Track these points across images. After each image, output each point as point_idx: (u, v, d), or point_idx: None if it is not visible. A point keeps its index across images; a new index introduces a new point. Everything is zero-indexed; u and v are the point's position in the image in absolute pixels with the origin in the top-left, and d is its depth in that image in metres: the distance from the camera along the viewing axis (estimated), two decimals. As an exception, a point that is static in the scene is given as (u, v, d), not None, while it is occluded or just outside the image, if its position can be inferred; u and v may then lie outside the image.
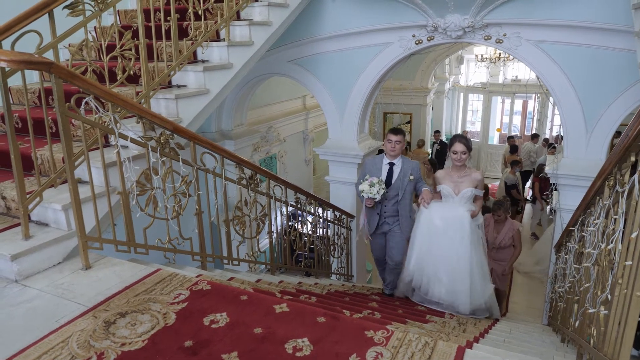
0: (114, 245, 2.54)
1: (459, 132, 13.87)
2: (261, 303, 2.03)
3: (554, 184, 4.58)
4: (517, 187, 8.90)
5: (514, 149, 10.03)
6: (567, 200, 4.41)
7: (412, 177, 4.18)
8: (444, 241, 3.84)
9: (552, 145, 7.80)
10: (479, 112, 14.63)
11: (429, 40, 4.69)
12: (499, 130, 14.70)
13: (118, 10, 4.30)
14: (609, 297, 1.73)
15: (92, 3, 2.59)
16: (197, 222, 3.12)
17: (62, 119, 2.21)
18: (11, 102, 3.65)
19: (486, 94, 13.86)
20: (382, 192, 4.05)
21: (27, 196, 2.42)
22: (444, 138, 13.22)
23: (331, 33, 5.07)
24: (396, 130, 4.25)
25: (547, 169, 4.66)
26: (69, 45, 3.61)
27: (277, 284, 3.45)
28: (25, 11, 2.29)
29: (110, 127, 2.45)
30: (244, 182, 3.54)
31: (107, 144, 2.84)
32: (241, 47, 3.67)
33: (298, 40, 5.24)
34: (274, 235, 4.15)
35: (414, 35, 4.72)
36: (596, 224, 1.98)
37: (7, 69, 2.17)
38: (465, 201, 3.91)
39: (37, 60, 2.06)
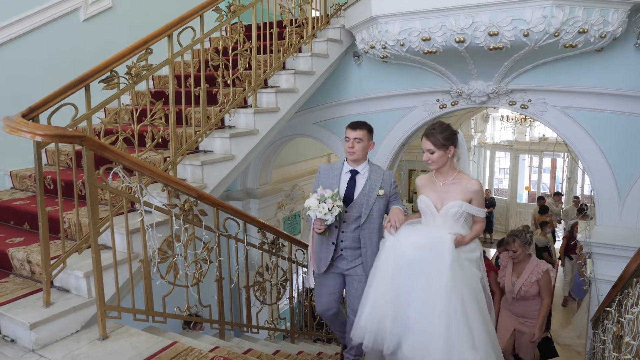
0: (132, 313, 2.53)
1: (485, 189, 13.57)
2: (277, 386, 1.94)
3: (586, 252, 4.39)
4: (549, 249, 8.59)
5: (543, 209, 9.78)
6: (601, 270, 4.20)
7: (381, 192, 2.92)
8: (420, 281, 2.55)
9: (583, 211, 7.54)
10: (507, 170, 14.48)
11: (453, 105, 4.72)
12: (527, 188, 14.44)
13: (152, 76, 4.53)
14: (654, 397, 1.59)
15: (127, 77, 2.72)
16: (216, 289, 3.09)
17: (90, 189, 2.27)
18: (46, 162, 3.85)
19: (513, 152, 13.76)
20: (337, 210, 2.74)
21: (52, 261, 2.44)
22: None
23: (356, 97, 5.17)
24: (357, 124, 2.97)
25: (579, 237, 4.49)
26: (105, 110, 3.79)
27: (296, 356, 3.33)
28: (63, 86, 2.42)
29: (136, 195, 2.50)
30: (265, 246, 3.52)
31: (132, 209, 2.88)
32: (267, 114, 3.77)
33: (323, 104, 5.36)
34: (295, 299, 4.06)
35: (438, 100, 4.76)
36: (634, 312, 1.85)
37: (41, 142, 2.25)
38: (451, 221, 2.64)
39: (69, 134, 2.15)
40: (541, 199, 10.69)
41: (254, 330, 3.50)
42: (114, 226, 2.51)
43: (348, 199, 2.95)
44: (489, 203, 12.07)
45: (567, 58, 3.93)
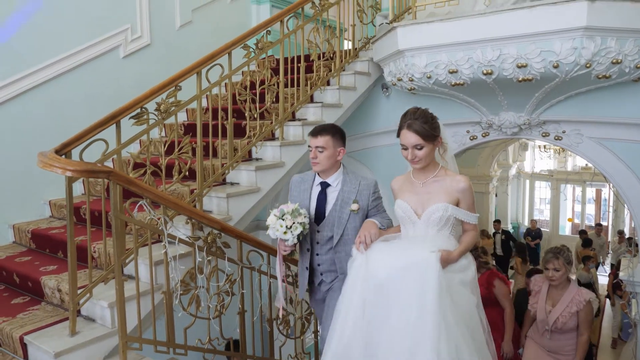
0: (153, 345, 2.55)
1: (527, 221, 13.11)
2: None
3: (631, 292, 4.14)
4: (593, 285, 8.14)
5: (586, 242, 9.34)
6: (647, 312, 3.95)
7: (355, 207, 2.49)
8: (394, 313, 2.01)
9: (629, 246, 7.14)
10: (547, 200, 14.00)
11: (483, 136, 4.64)
12: (570, 220, 13.86)
13: (186, 109, 4.70)
14: None
15: (156, 112, 2.83)
16: (239, 322, 3.08)
17: (116, 222, 2.35)
18: (83, 192, 4.01)
19: (554, 182, 13.31)
20: (299, 229, 2.38)
21: (79, 291, 2.52)
22: (509, 227, 12.62)
23: (385, 128, 5.16)
24: (319, 129, 2.56)
25: (621, 275, 4.25)
26: (140, 142, 3.94)
27: (318, 393, 3.25)
28: (95, 122, 2.55)
29: (160, 228, 2.56)
30: (290, 279, 3.50)
31: (157, 240, 2.94)
32: (294, 146, 3.81)
33: (353, 135, 5.37)
34: (320, 333, 3.99)
35: (468, 131, 4.70)
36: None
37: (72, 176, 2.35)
38: (435, 229, 2.16)
39: (98, 169, 2.25)
40: (583, 232, 10.21)
41: (277, 364, 3.46)
42: (139, 257, 2.58)
43: (320, 216, 2.57)
44: (535, 234, 11.56)
45: (601, 88, 3.80)
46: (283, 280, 2.74)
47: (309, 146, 2.58)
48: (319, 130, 2.55)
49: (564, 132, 4.25)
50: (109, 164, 3.54)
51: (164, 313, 2.63)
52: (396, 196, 2.33)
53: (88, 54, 4.22)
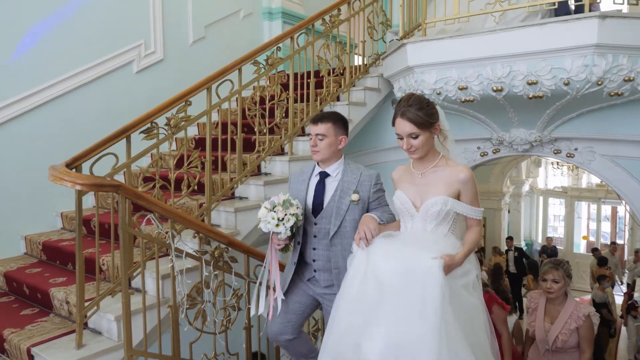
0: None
1: (540, 239, 12.90)
2: None
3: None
4: (608, 306, 7.93)
5: (602, 261, 9.15)
6: (664, 334, 3.84)
7: (355, 198, 2.35)
8: (394, 318, 1.90)
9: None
10: (561, 217, 13.78)
11: (494, 153, 4.60)
12: (585, 237, 13.61)
13: (197, 123, 4.74)
14: None
15: (166, 127, 2.87)
16: (245, 337, 3.07)
17: (124, 236, 2.36)
18: (94, 205, 4.05)
19: (568, 199, 13.11)
20: (292, 221, 2.26)
21: (86, 303, 2.54)
22: (522, 244, 12.44)
23: (394, 144, 5.12)
24: (320, 116, 2.45)
25: (636, 296, 4.15)
26: (151, 155, 3.98)
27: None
28: (106, 137, 2.59)
29: (167, 242, 2.57)
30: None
31: (165, 254, 2.95)
32: (303, 162, 3.81)
33: (363, 150, 5.38)
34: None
35: (478, 148, 4.67)
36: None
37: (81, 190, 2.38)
38: (433, 224, 2.05)
39: (107, 183, 2.28)
40: (595, 250, 10.02)
41: (283, 381, 3.42)
42: (146, 271, 2.59)
43: (317, 207, 2.43)
44: (551, 252, 11.36)
45: (614, 106, 3.76)
46: (283, 292, 2.55)
47: (308, 134, 2.42)
48: (320, 117, 2.45)
49: (576, 149, 4.21)
50: (119, 177, 3.61)
51: (170, 327, 2.63)
52: (396, 187, 2.22)
53: (102, 69, 4.31)
